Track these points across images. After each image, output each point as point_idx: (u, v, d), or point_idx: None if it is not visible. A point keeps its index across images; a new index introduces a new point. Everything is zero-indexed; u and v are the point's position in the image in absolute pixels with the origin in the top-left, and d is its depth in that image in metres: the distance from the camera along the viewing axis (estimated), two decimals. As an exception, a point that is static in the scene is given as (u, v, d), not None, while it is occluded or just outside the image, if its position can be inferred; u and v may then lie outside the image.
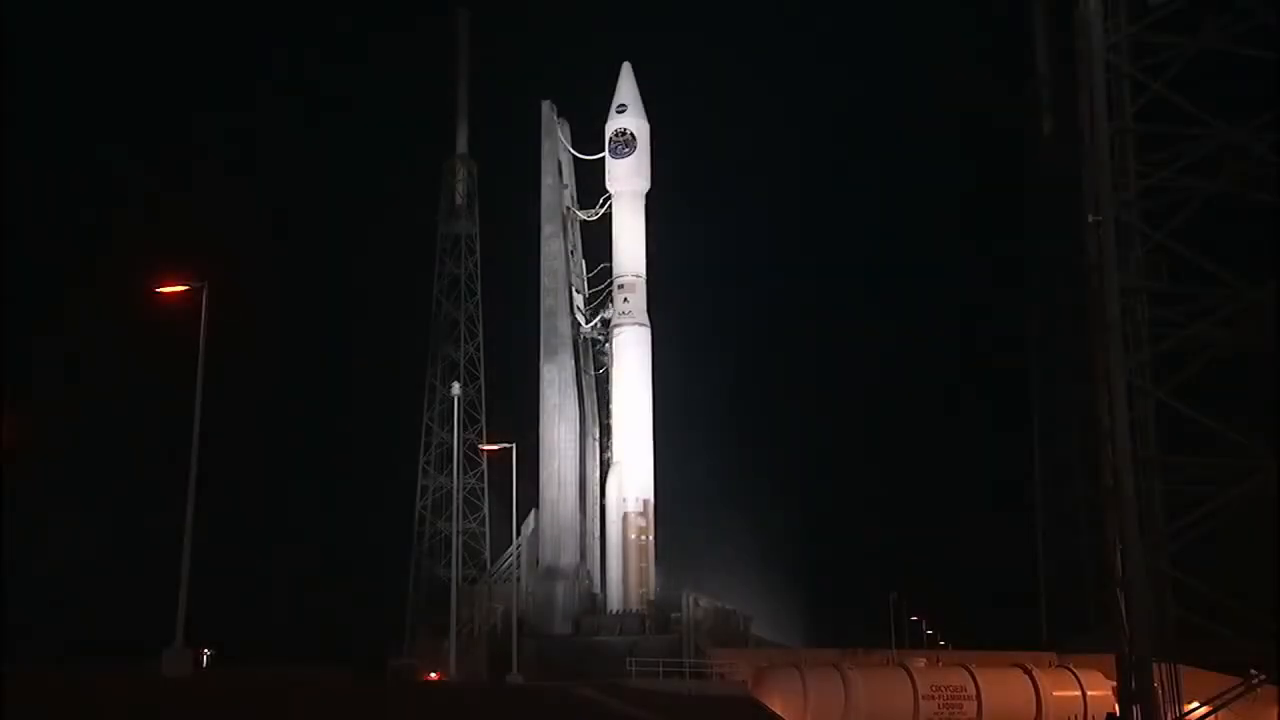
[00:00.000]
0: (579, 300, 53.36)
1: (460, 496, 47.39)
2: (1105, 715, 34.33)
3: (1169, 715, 25.25)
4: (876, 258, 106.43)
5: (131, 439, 55.99)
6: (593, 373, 53.05)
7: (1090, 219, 27.16)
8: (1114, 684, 29.66)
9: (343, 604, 55.86)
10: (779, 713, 36.92)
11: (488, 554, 58.40)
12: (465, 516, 56.18)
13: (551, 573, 48.83)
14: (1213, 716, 27.18)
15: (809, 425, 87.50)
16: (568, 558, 49.18)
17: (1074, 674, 42.88)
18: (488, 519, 59.80)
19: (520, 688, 35.49)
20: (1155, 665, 25.24)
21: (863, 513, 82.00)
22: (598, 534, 50.99)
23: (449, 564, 45.63)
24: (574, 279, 53.29)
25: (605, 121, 52.69)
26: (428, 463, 60.19)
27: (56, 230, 62.30)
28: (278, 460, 62.04)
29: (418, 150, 68.88)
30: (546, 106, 54.30)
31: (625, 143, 51.96)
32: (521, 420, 52.21)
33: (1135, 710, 25.47)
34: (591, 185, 53.84)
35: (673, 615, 45.11)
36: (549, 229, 52.91)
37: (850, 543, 78.26)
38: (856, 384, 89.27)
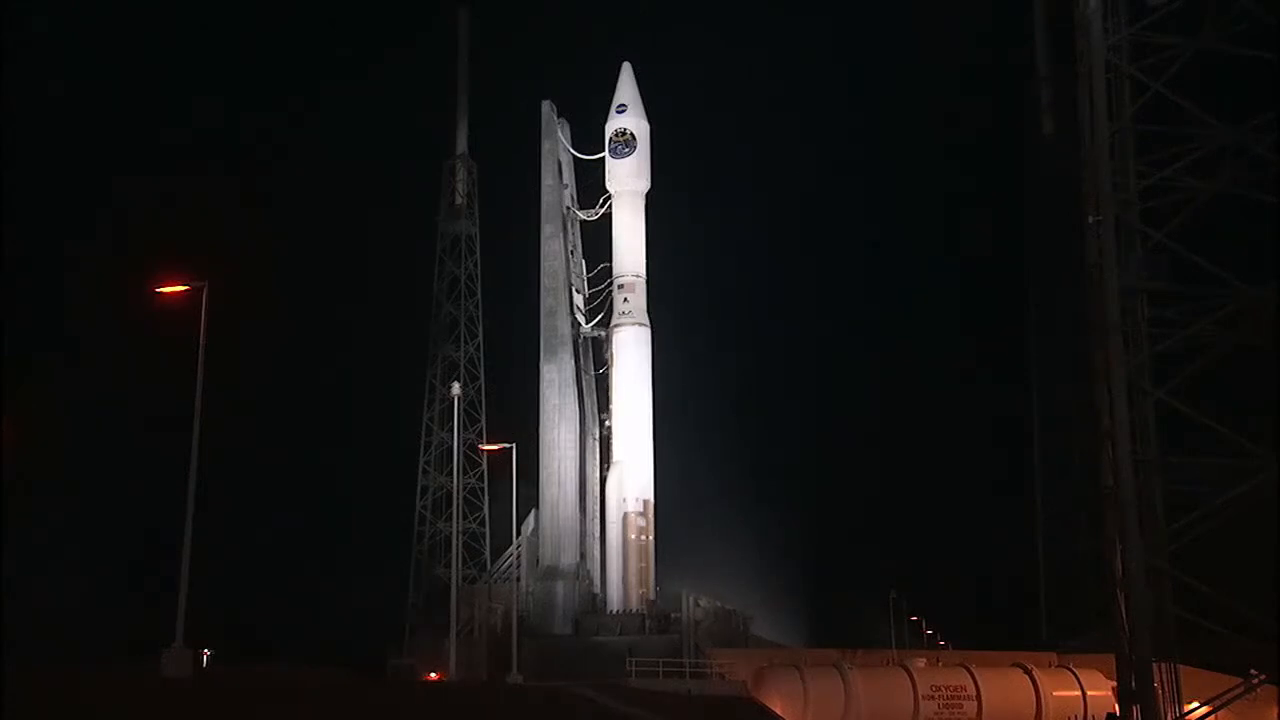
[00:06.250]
0: (579, 300, 53.34)
1: (460, 496, 47.38)
2: (1105, 715, 34.30)
3: (1169, 715, 25.24)
4: (876, 257, 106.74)
5: (131, 438, 56.01)
6: (593, 373, 53.04)
7: (1090, 219, 27.16)
8: (1114, 684, 29.64)
9: (343, 604, 55.84)
10: (779, 713, 36.92)
11: (488, 554, 58.39)
12: (465, 516, 56.17)
13: (551, 573, 48.84)
14: (1213, 716, 27.18)
15: (809, 425, 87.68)
16: (568, 558, 49.17)
17: (1074, 674, 42.89)
18: (488, 519, 59.80)
19: (520, 688, 35.47)
20: (1155, 665, 25.23)
21: (862, 512, 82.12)
22: (598, 534, 50.98)
23: (449, 564, 45.63)
24: (574, 279, 53.28)
25: (605, 121, 52.73)
26: (428, 463, 60.18)
27: (56, 230, 62.24)
28: (277, 460, 62.06)
29: (418, 150, 69.01)
30: (546, 106, 54.34)
31: (625, 143, 51.98)
32: (521, 420, 52.30)
33: (1135, 710, 25.47)
34: (591, 185, 53.92)
35: (673, 615, 45.12)
36: (549, 229, 52.92)
37: (850, 542, 78.35)
38: (856, 383, 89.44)
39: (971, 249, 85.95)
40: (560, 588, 48.36)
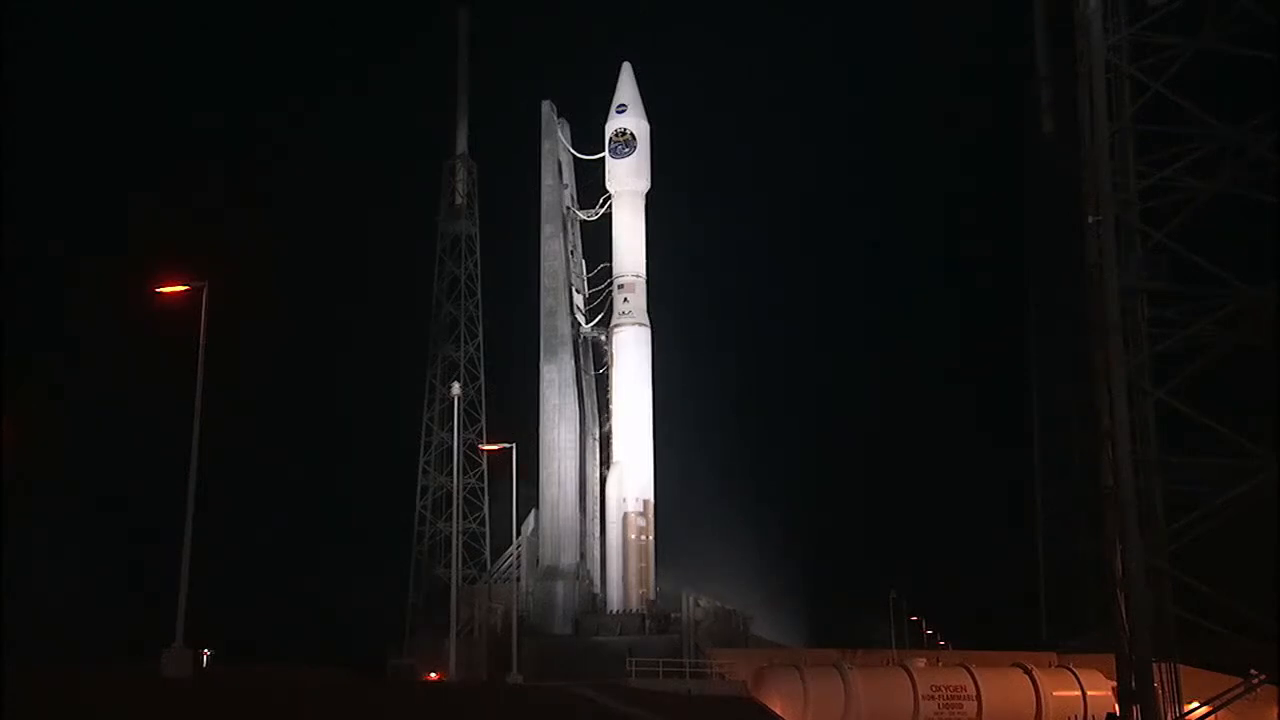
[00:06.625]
0: (579, 300, 53.34)
1: (460, 496, 47.38)
2: (1105, 715, 34.31)
3: (1169, 715, 25.26)
4: (876, 257, 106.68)
5: (131, 439, 55.99)
6: (593, 373, 53.03)
7: (1090, 219, 27.18)
8: (1114, 684, 29.66)
9: (343, 604, 55.84)
10: (779, 713, 36.91)
11: (488, 554, 58.39)
12: (465, 516, 56.17)
13: (551, 573, 48.83)
14: (1212, 717, 27.19)
15: (809, 424, 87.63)
16: (568, 558, 49.17)
17: (1074, 674, 42.88)
18: (488, 519, 59.80)
19: (520, 688, 35.47)
20: (1155, 665, 25.24)
21: (862, 512, 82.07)
22: (598, 534, 50.98)
23: (449, 564, 45.63)
24: (574, 279, 53.27)
25: (605, 121, 52.73)
26: (428, 463, 60.18)
27: (56, 230, 62.23)
28: (277, 460, 62.03)
29: (418, 150, 69.01)
30: (546, 106, 54.34)
31: (625, 143, 51.97)
32: (521, 420, 52.28)
33: (1135, 710, 25.48)
34: (591, 185, 53.91)
35: (673, 615, 45.11)
36: (549, 229, 52.91)
37: (850, 543, 78.27)
38: (856, 383, 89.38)
39: (971, 249, 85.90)
40: (560, 588, 48.36)
